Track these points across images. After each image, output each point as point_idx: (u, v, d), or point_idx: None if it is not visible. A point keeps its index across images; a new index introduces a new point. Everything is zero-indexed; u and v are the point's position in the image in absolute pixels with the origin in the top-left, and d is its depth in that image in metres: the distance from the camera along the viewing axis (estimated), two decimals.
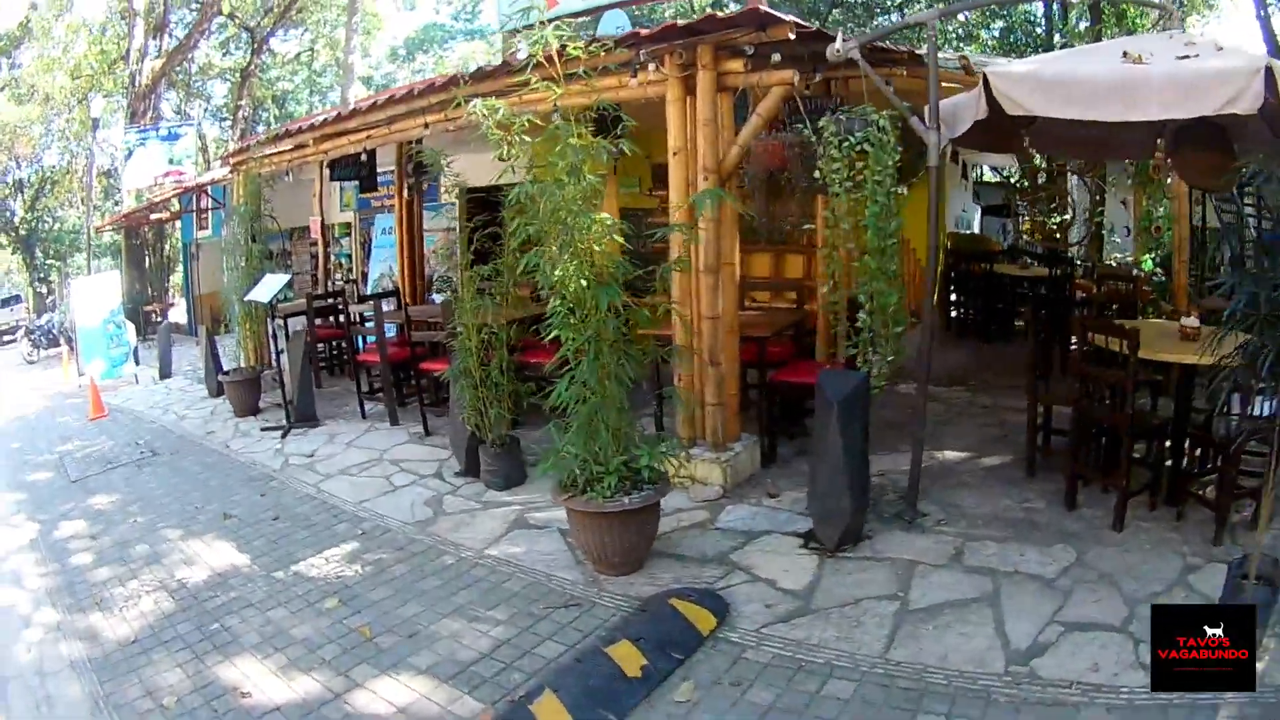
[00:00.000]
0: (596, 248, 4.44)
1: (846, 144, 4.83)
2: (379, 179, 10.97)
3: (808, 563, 4.59)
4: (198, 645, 4.37)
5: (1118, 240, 11.70)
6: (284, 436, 8.35)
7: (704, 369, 5.81)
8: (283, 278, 8.82)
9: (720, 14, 5.53)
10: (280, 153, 10.23)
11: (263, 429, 8.89)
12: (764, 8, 5.05)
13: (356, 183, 11.29)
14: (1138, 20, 16.39)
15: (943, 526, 4.89)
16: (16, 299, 33.51)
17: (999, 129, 5.01)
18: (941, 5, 7.60)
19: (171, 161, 18.24)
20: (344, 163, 10.29)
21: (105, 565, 5.74)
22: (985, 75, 4.45)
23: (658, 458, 4.61)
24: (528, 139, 4.71)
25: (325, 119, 9.01)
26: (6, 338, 27.64)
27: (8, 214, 41.77)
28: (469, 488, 6.39)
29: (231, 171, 11.41)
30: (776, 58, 5.28)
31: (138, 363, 14.32)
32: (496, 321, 5.99)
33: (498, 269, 6.07)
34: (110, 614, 4.94)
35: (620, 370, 4.50)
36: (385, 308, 9.20)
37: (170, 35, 24.96)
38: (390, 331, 8.75)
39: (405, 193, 10.03)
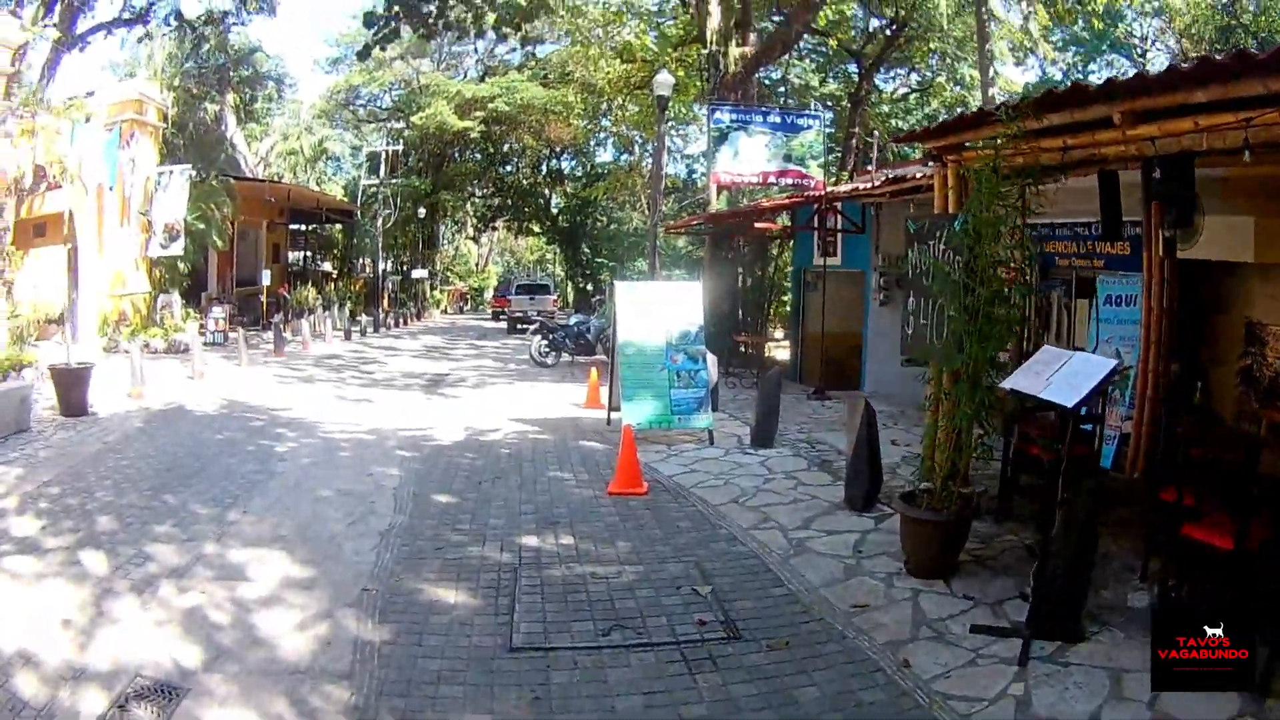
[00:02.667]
0: None
1: None
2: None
3: None
4: None
5: None
6: (1023, 662, 4.29)
7: None
8: (1105, 364, 4.95)
9: None
10: (1038, 139, 5.80)
11: (974, 628, 4.68)
12: None
13: None
14: None
15: None
16: (544, 289, 32.03)
17: None
18: None
19: (789, 159, 14.05)
20: (1176, 170, 5.73)
21: None
22: None
23: None
24: None
25: (1165, 75, 4.69)
26: (521, 326, 26.75)
27: (540, 201, 43.47)
28: None
29: (929, 162, 7.91)
30: None
31: (714, 409, 10.09)
32: None
33: None
34: None
35: None
36: None
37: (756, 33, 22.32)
38: None
39: (1159, 249, 6.78)
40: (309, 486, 7.22)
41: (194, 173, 17.92)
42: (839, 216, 13.58)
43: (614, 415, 9.84)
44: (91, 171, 14.86)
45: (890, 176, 11.89)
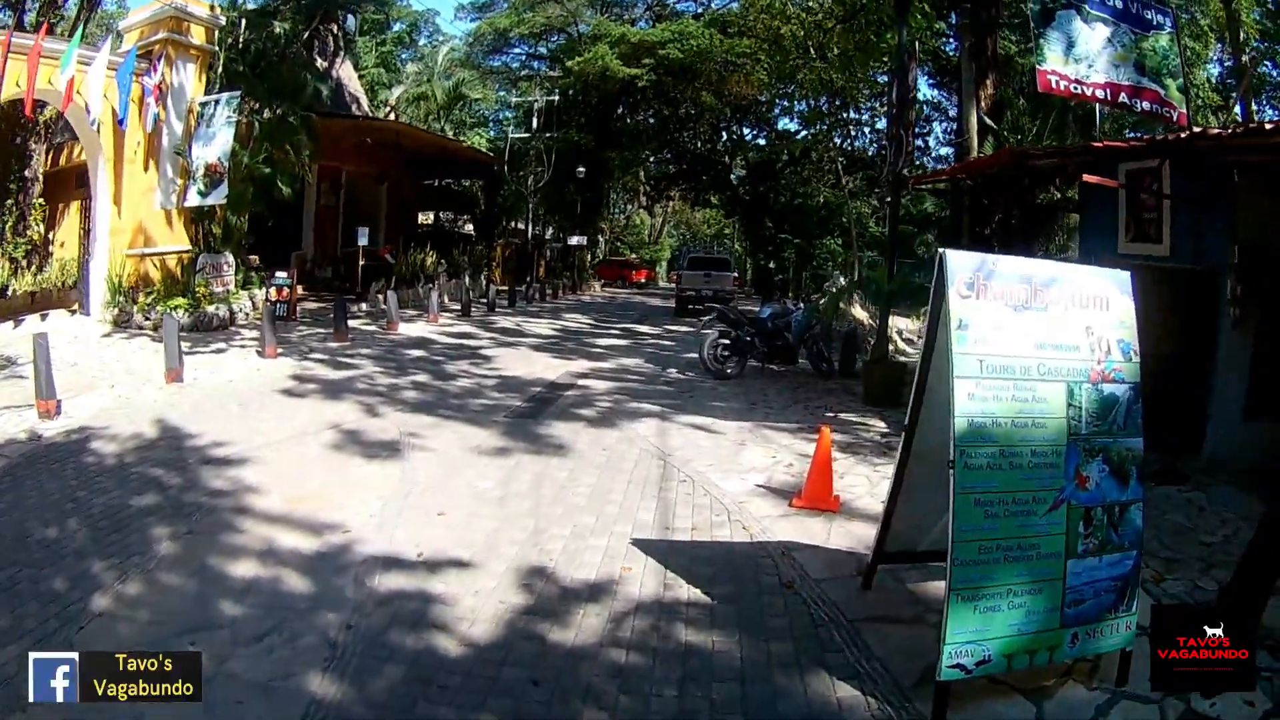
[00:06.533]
0: None
1: None
2: None
3: None
4: None
5: None
6: None
7: None
8: None
9: None
10: None
11: None
12: None
13: None
14: None
15: None
16: (723, 263, 25.91)
17: None
18: None
19: (1142, 70, 8.51)
20: None
21: None
22: None
23: None
24: None
25: None
26: (693, 307, 21.50)
27: (718, 168, 37.71)
28: None
29: None
30: None
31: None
32: None
33: None
34: None
35: None
36: None
37: None
38: None
39: None
40: None
41: (258, 106, 13.68)
42: (1163, 180, 7.91)
43: (884, 567, 4.25)
44: (94, 101, 10.95)
45: None
